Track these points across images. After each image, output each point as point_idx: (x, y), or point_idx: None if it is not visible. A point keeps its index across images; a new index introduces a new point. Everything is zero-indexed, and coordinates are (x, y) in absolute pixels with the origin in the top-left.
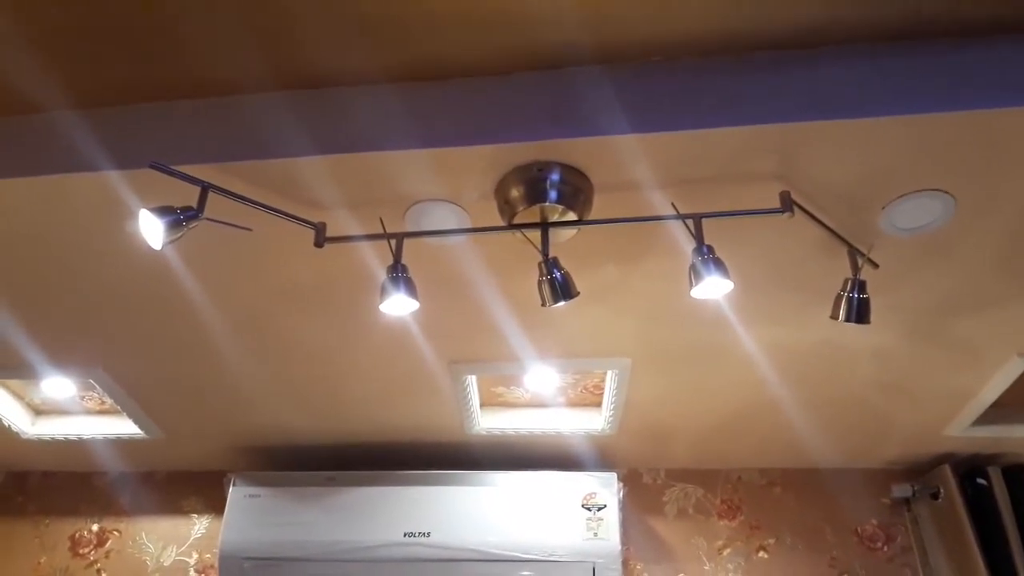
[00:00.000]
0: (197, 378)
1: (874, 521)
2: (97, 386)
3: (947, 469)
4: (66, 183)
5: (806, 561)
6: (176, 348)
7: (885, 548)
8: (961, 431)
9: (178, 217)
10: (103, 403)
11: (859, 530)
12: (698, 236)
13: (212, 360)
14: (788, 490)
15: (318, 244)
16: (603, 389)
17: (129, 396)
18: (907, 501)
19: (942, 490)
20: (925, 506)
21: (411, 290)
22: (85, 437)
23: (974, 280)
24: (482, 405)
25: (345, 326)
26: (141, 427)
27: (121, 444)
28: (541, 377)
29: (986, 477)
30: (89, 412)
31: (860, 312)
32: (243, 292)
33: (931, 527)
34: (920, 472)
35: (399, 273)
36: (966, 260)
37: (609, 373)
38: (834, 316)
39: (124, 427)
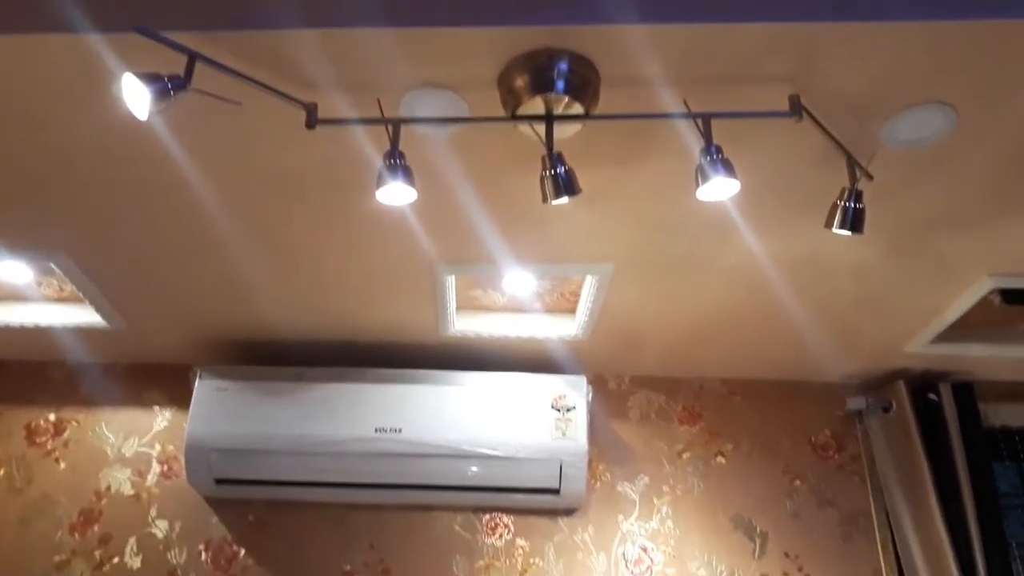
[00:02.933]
0: (167, 266)
1: (827, 432)
2: (58, 271)
3: (901, 384)
4: (40, 44)
5: (761, 467)
6: (147, 233)
7: (836, 456)
8: (920, 348)
9: (165, 85)
10: (62, 290)
11: (813, 439)
12: (707, 136)
13: (185, 247)
14: (748, 400)
15: (309, 125)
16: (579, 296)
17: (92, 283)
18: (860, 414)
19: (894, 404)
20: (877, 419)
21: (409, 178)
22: (42, 325)
23: (962, 198)
24: (458, 308)
25: (328, 218)
26: (103, 316)
27: (81, 333)
28: (521, 281)
29: (937, 393)
30: (47, 299)
31: (855, 221)
32: (226, 175)
33: (881, 438)
34: (874, 387)
35: (397, 160)
36: (958, 177)
37: (589, 278)
38: (828, 225)
39: (85, 316)
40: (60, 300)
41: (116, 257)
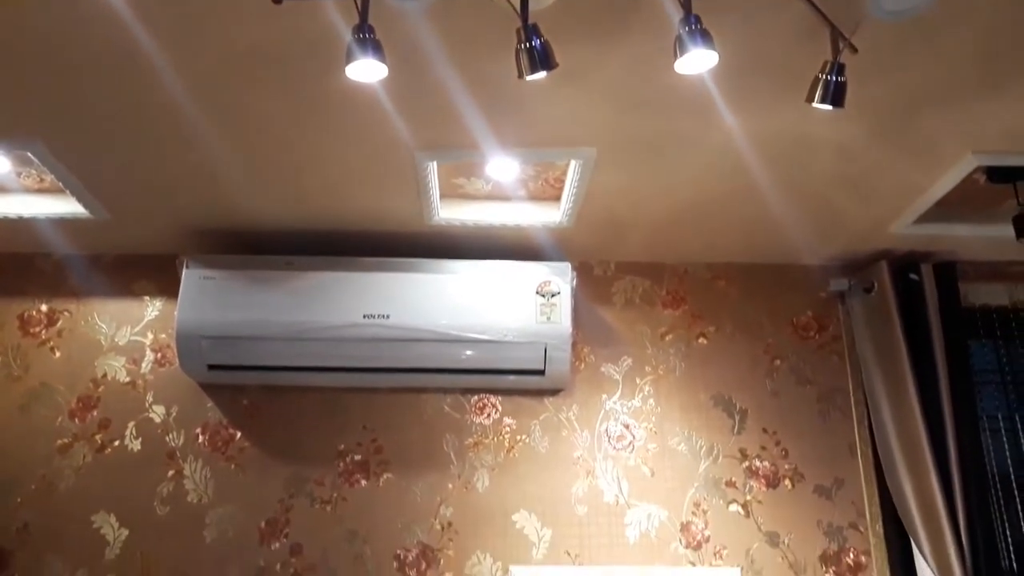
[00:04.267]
0: (141, 154)
1: (809, 313)
2: (36, 160)
3: (883, 265)
4: None
5: (743, 348)
6: (123, 119)
7: (817, 337)
8: (903, 228)
9: None
10: (43, 180)
11: (794, 320)
12: (686, 5)
13: (163, 133)
14: (731, 283)
15: (276, 0)
16: (563, 182)
17: (71, 173)
18: (842, 295)
19: (876, 284)
20: (858, 299)
21: (379, 54)
22: (25, 216)
23: (948, 74)
24: (442, 197)
25: (305, 98)
26: (85, 206)
27: (65, 224)
28: (503, 167)
29: (918, 273)
30: (28, 190)
31: (836, 95)
32: (197, 55)
33: (862, 319)
34: (857, 268)
35: (366, 34)
36: (944, 52)
37: (572, 163)
38: (810, 99)
39: (67, 207)
40: (41, 191)
41: (91, 145)
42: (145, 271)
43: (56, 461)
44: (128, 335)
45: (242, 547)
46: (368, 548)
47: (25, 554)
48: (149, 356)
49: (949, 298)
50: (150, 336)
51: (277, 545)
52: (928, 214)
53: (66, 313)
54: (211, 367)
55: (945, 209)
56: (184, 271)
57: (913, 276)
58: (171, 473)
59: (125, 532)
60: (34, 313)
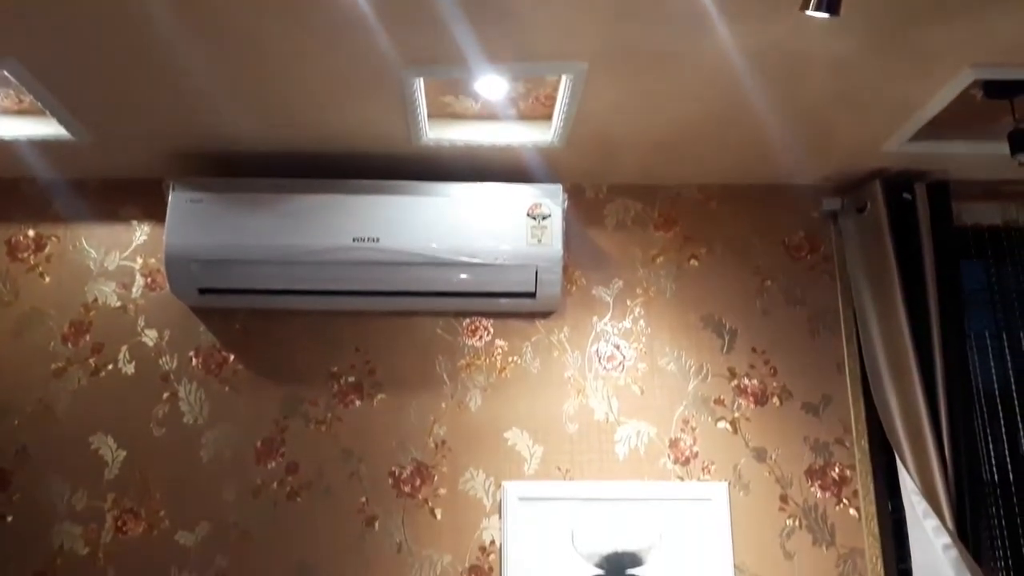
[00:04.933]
0: (126, 72)
1: (801, 233)
2: (12, 79)
3: (876, 184)
4: None
5: (734, 269)
6: (103, 36)
7: (808, 257)
8: (898, 146)
9: None
10: (21, 101)
11: (786, 241)
12: None
13: (144, 50)
14: (724, 205)
15: None
16: (554, 100)
17: (50, 92)
18: (834, 216)
19: (869, 204)
20: (851, 220)
21: None
22: (6, 139)
23: None
24: (430, 117)
25: (289, 12)
26: (66, 128)
27: (47, 147)
28: (492, 84)
29: (911, 192)
30: (7, 112)
31: (832, 2)
32: None
33: (854, 239)
34: (850, 188)
35: None
36: None
37: (563, 78)
38: (804, 7)
39: (48, 128)
40: (20, 112)
41: (70, 64)
42: (131, 195)
43: (51, 385)
44: (117, 260)
45: (239, 466)
46: (363, 466)
47: (25, 475)
48: (139, 281)
49: (941, 217)
50: (139, 261)
51: (273, 464)
52: (923, 132)
53: (54, 238)
54: (201, 291)
55: (940, 127)
56: (170, 194)
57: (906, 195)
58: (166, 395)
59: (123, 453)
60: (21, 238)
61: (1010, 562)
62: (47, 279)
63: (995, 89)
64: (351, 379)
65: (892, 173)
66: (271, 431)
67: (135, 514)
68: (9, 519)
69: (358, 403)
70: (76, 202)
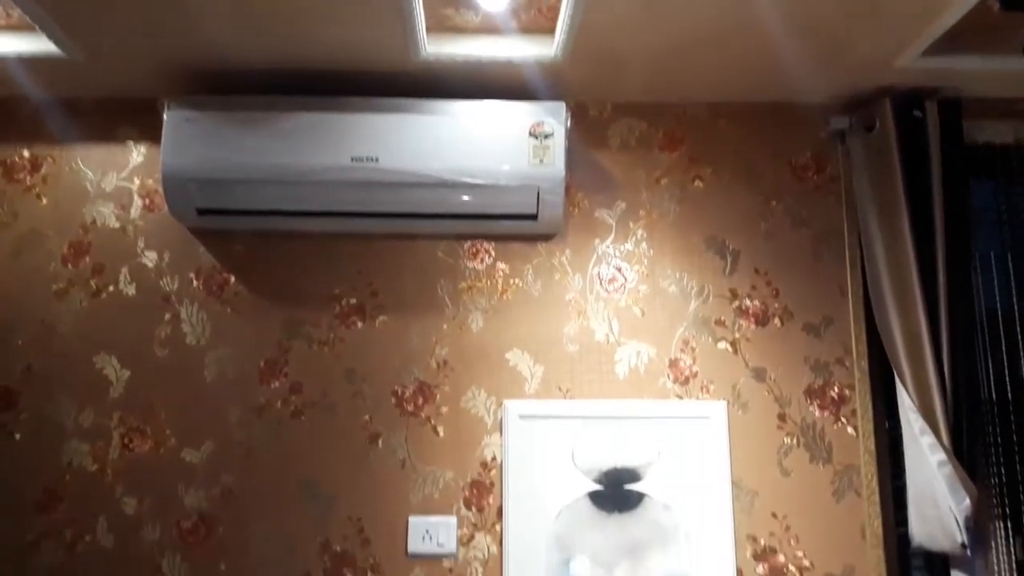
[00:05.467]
0: None
1: (808, 154)
2: None
3: (886, 102)
4: None
5: (738, 190)
6: None
7: (815, 178)
8: (910, 62)
9: None
10: (10, 16)
11: (793, 162)
12: None
13: None
14: (731, 124)
15: None
16: (557, 11)
17: (39, 6)
18: (842, 135)
19: (878, 122)
20: (859, 139)
21: None
22: None
23: None
24: (429, 30)
25: None
26: (57, 44)
27: (39, 65)
28: None
29: (922, 110)
30: None
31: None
32: None
33: (861, 158)
34: (859, 106)
35: None
36: None
37: None
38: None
39: (39, 44)
40: (10, 28)
41: None
42: (126, 115)
43: (53, 306)
44: (115, 181)
45: (242, 386)
46: (366, 385)
47: (32, 394)
48: (137, 202)
49: (952, 136)
50: (137, 182)
51: (277, 384)
52: (936, 46)
53: (49, 159)
54: (200, 211)
55: (954, 42)
56: (165, 113)
57: (917, 113)
58: (168, 317)
59: (127, 373)
60: (16, 159)
61: (1004, 479)
62: (44, 200)
63: (1011, 0)
64: (353, 301)
65: (903, 90)
66: (274, 352)
67: (141, 432)
68: (18, 436)
69: (360, 325)
70: (70, 122)
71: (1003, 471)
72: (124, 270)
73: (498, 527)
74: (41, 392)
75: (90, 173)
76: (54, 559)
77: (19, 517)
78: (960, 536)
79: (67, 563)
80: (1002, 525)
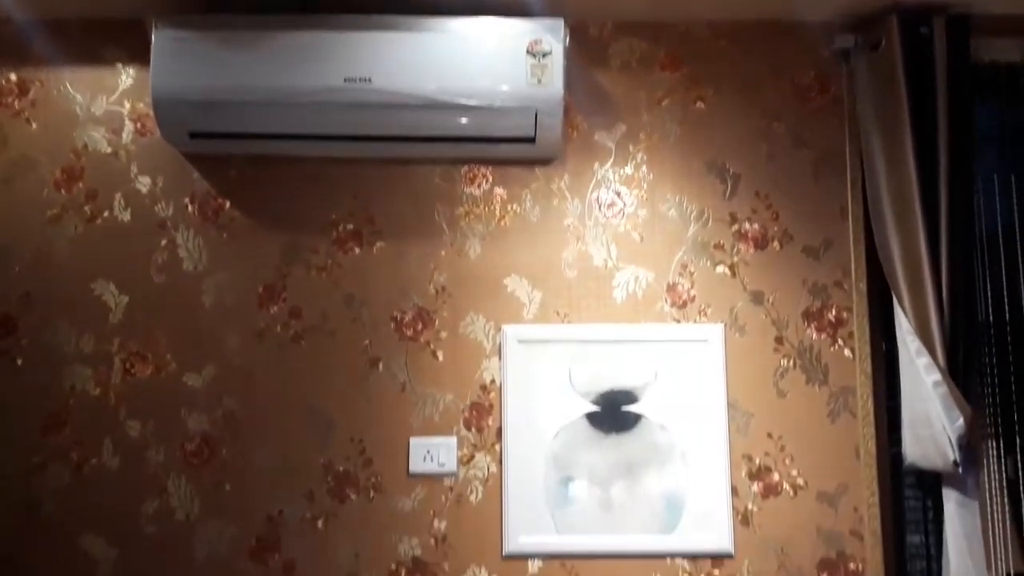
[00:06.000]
0: None
1: (812, 74)
2: None
3: (892, 19)
4: None
5: (740, 110)
6: None
7: (818, 98)
8: None
9: None
10: None
11: (796, 82)
12: None
13: None
14: (734, 43)
15: None
16: None
17: None
18: (846, 54)
19: (883, 40)
20: (863, 58)
21: None
22: None
23: None
24: None
25: None
26: None
27: None
28: None
29: (929, 27)
30: None
31: None
32: None
33: (865, 78)
34: (865, 24)
35: None
36: None
37: None
38: None
39: None
40: None
41: None
42: (114, 37)
43: (48, 232)
44: (104, 105)
45: (241, 311)
46: (365, 311)
47: (31, 320)
48: (128, 126)
49: (958, 54)
50: (127, 105)
51: (276, 309)
52: None
53: (37, 83)
54: (192, 135)
55: None
56: (154, 34)
57: (924, 29)
58: (164, 242)
59: (125, 299)
60: (4, 83)
61: (998, 399)
62: (34, 125)
63: None
64: (350, 227)
65: (909, 6)
66: (272, 277)
67: (142, 357)
68: (19, 362)
69: (358, 251)
70: (57, 44)
71: (997, 391)
72: (118, 196)
73: (497, 447)
74: (40, 318)
75: (79, 97)
76: (61, 481)
77: (25, 440)
78: (952, 454)
79: (74, 484)
80: (994, 444)
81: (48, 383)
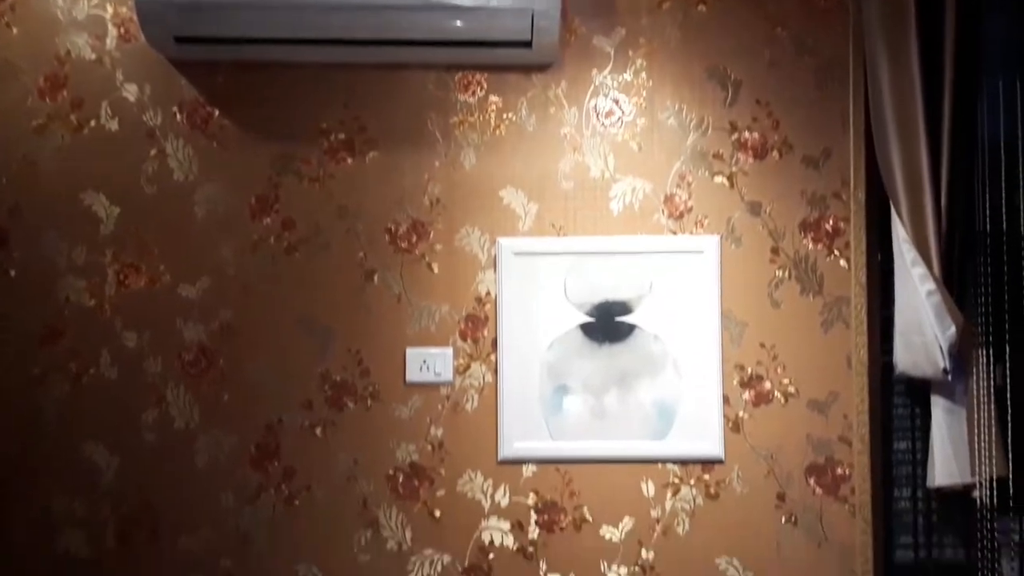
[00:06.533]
0: None
1: None
2: None
3: None
4: None
5: (743, 14)
6: None
7: (822, 4)
8: None
9: None
10: None
11: None
12: None
13: None
14: None
15: None
16: None
17: None
18: None
19: None
20: None
21: None
22: None
23: None
24: None
25: None
26: None
27: None
28: None
29: None
30: None
31: None
32: None
33: None
34: None
35: None
36: None
37: None
38: None
39: None
40: None
41: None
42: None
43: (34, 141)
44: (86, 9)
45: (234, 222)
46: (359, 223)
47: (21, 232)
48: (112, 31)
49: None
50: (109, 9)
51: (268, 220)
52: None
53: None
54: (178, 40)
55: None
56: None
57: None
58: (153, 152)
59: (116, 210)
60: None
61: (991, 309)
62: (15, 30)
63: None
64: (341, 136)
65: None
66: (264, 188)
67: (136, 268)
68: (13, 274)
69: (350, 161)
70: None
71: (990, 300)
72: (104, 104)
73: (493, 357)
74: (31, 230)
75: (59, 0)
76: (61, 391)
77: (23, 352)
78: (943, 362)
79: (74, 395)
80: (984, 352)
81: (42, 295)
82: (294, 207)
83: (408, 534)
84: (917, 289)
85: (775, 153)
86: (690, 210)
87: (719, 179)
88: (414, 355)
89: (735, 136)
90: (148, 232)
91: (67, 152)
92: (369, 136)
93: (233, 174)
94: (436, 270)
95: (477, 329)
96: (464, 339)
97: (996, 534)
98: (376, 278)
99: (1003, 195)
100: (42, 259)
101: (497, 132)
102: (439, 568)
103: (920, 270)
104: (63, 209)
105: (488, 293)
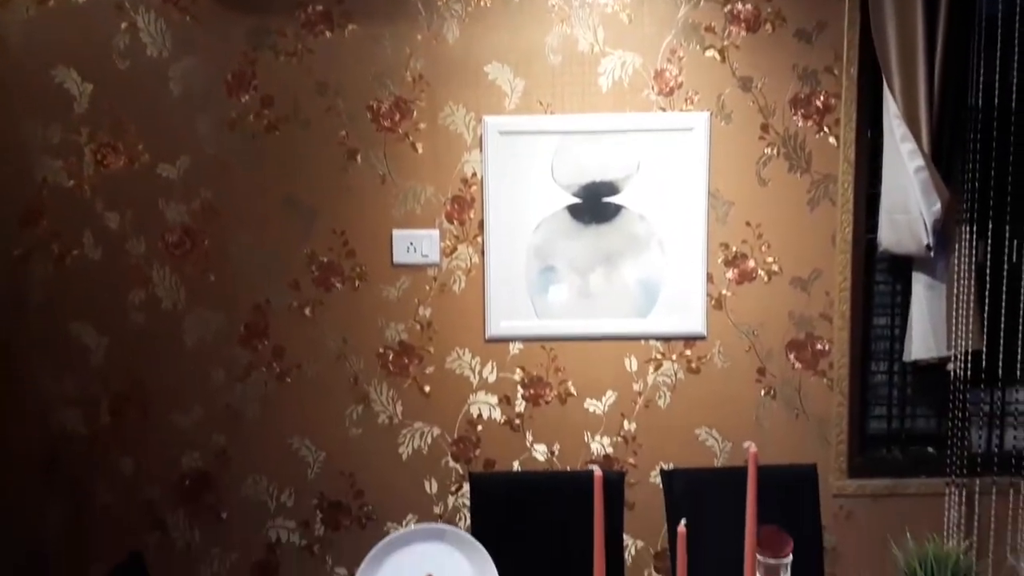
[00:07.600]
0: None
1: None
2: None
3: None
4: None
5: None
6: None
7: None
8: None
9: None
10: None
11: None
12: None
13: None
14: None
15: None
16: None
17: None
18: None
19: None
20: None
21: None
22: None
23: None
24: None
25: None
26: None
27: None
28: None
29: None
30: None
31: None
32: None
33: None
34: None
35: None
36: None
37: None
38: None
39: None
40: None
41: None
42: None
43: None
44: None
45: (211, 99)
46: (340, 100)
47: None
48: None
49: None
50: None
51: (247, 98)
52: None
53: None
54: None
55: None
56: None
57: None
58: (124, 25)
59: (89, 87)
60: None
61: (977, 185)
62: None
63: None
64: (319, 8)
65: None
66: (240, 64)
67: (113, 148)
68: None
69: (328, 34)
70: None
71: (977, 176)
72: None
73: (479, 239)
74: (0, 108)
75: None
76: (45, 272)
77: (3, 233)
78: (926, 239)
79: (58, 275)
80: (968, 229)
81: (18, 175)
82: (272, 84)
83: (399, 409)
84: (905, 166)
85: (768, 26)
86: (680, 86)
87: (710, 53)
88: (401, 237)
89: (728, 8)
90: (123, 110)
91: (34, 27)
92: (347, 7)
93: (208, 49)
94: (420, 150)
95: (463, 211)
96: (451, 221)
97: (968, 405)
98: (359, 158)
99: (997, 70)
100: (14, 138)
101: (481, 3)
102: (429, 440)
103: (909, 146)
104: (33, 85)
105: (474, 174)
